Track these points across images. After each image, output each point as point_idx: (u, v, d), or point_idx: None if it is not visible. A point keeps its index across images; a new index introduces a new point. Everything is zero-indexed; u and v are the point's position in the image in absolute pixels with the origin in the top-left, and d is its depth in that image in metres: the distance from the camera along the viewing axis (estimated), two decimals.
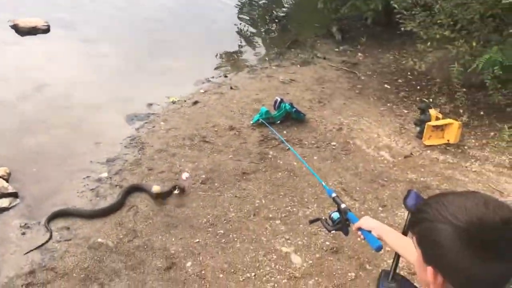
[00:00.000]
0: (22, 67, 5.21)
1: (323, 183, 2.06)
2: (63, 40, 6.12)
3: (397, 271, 2.04)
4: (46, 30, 6.21)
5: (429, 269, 1.05)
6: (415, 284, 2.08)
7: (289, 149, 4.05)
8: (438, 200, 1.05)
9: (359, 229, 1.69)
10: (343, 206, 1.80)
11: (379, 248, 1.60)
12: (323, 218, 1.86)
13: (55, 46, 5.92)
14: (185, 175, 3.48)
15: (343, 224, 1.78)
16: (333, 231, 1.82)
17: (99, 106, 4.66)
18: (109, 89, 5.06)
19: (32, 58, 5.48)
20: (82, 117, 4.44)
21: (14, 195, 3.31)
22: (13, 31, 6.02)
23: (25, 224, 3.10)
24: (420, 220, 1.07)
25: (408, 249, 1.57)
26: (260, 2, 9.11)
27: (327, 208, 3.44)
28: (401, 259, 1.97)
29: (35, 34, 6.07)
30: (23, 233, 3.03)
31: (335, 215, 1.79)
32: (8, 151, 3.80)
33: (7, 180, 3.42)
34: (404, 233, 1.82)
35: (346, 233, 1.80)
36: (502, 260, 0.98)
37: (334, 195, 1.88)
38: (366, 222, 1.67)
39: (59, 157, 3.82)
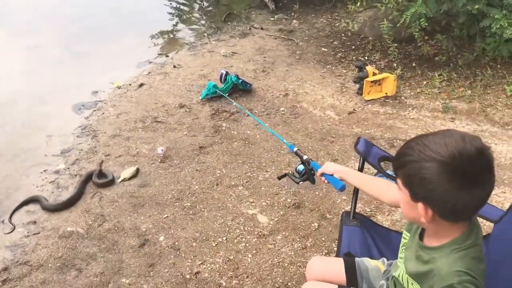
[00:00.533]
0: None
1: (284, 140, 2.22)
2: None
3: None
4: None
5: (420, 205, 1.18)
6: (371, 219, 2.33)
7: (248, 115, 4.20)
8: (419, 142, 1.17)
9: (322, 174, 1.87)
10: (305, 157, 1.98)
11: (342, 188, 1.80)
12: (290, 172, 2.04)
13: None
14: (160, 149, 3.65)
15: (308, 173, 1.95)
16: (301, 182, 1.99)
17: (43, 99, 4.57)
18: (49, 81, 4.95)
19: None
20: (28, 112, 4.34)
21: None
22: None
23: None
24: (405, 163, 1.19)
25: (370, 185, 1.78)
26: None
27: (284, 169, 3.65)
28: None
29: None
30: None
31: (300, 167, 1.97)
32: None
33: None
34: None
35: (313, 181, 1.98)
36: (481, 185, 1.12)
37: (295, 149, 2.05)
38: (328, 166, 1.85)
39: (11, 155, 3.75)
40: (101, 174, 3.48)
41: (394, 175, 1.28)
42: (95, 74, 5.14)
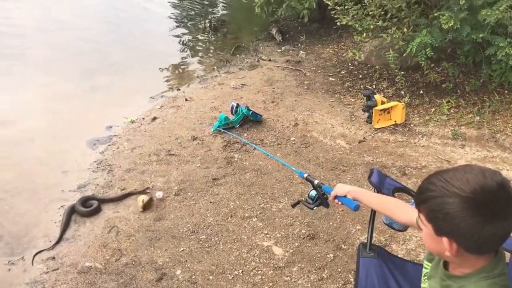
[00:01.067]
0: None
1: (293, 168, 2.28)
2: (7, 73, 6.02)
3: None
4: None
5: (445, 239, 1.20)
6: (387, 250, 2.35)
7: (254, 148, 4.27)
8: (440, 177, 1.21)
9: (336, 197, 1.91)
10: (316, 182, 2.02)
11: (357, 207, 1.83)
12: (303, 199, 2.08)
13: (0, 81, 5.82)
14: (157, 194, 3.69)
15: (321, 198, 2.00)
16: (315, 208, 2.03)
17: (58, 136, 4.68)
18: (63, 117, 5.06)
19: None
20: (44, 149, 4.44)
21: None
22: None
23: (9, 261, 3.12)
24: (427, 198, 1.22)
25: (383, 203, 1.82)
26: (193, 13, 9.29)
27: (297, 199, 3.68)
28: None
29: None
30: (9, 270, 3.05)
31: (313, 193, 2.01)
32: None
33: None
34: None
35: (327, 205, 2.02)
36: (505, 218, 1.16)
37: (305, 175, 2.10)
38: (340, 188, 1.89)
39: (29, 192, 3.83)
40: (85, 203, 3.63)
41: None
42: (108, 108, 5.27)
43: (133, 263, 3.09)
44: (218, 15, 9.33)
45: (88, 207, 3.57)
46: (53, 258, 3.16)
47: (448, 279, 1.34)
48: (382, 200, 1.85)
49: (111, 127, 4.89)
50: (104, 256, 3.15)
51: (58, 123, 4.92)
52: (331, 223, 3.42)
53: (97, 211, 3.57)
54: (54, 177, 4.02)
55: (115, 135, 4.74)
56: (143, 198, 3.58)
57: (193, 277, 2.97)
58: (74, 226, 3.47)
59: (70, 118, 5.06)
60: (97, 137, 4.67)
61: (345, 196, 1.88)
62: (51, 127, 4.83)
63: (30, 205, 3.68)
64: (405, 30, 4.94)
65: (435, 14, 4.67)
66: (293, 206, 2.22)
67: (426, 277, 1.49)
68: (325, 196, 2.01)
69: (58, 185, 3.92)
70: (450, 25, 4.32)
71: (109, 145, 4.56)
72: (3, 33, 7.20)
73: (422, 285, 1.53)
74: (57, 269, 3.06)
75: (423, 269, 1.55)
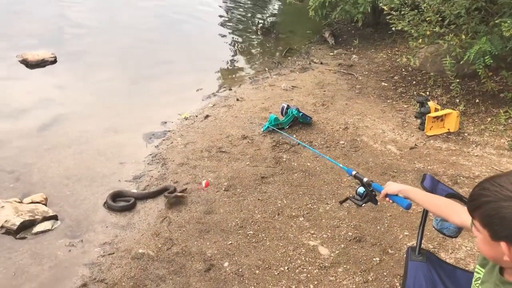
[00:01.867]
0: (37, 98, 5.45)
1: (340, 165, 2.28)
2: (70, 69, 6.39)
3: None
4: (53, 62, 6.46)
5: (503, 244, 1.21)
6: (436, 255, 2.33)
7: (303, 147, 4.32)
8: (493, 182, 1.23)
9: (386, 195, 1.92)
10: (365, 179, 2.04)
11: (409, 206, 1.84)
12: (351, 196, 2.11)
13: (64, 76, 6.18)
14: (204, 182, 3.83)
15: (370, 195, 2.02)
16: (363, 204, 2.05)
17: (116, 129, 4.91)
18: (121, 112, 5.31)
19: (45, 90, 5.73)
20: (102, 140, 4.68)
21: (55, 217, 3.54)
22: (23, 65, 6.27)
23: (70, 242, 3.33)
24: (482, 204, 1.24)
25: (436, 203, 1.80)
26: (245, 15, 9.44)
27: (344, 202, 3.69)
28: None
29: (43, 66, 6.33)
30: (69, 251, 3.25)
31: (361, 189, 2.04)
32: (41, 178, 4.03)
33: (45, 205, 3.66)
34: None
35: (376, 202, 2.04)
36: None
37: (354, 172, 2.11)
38: (392, 187, 1.89)
39: (88, 179, 4.06)
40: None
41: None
42: (164, 105, 5.48)
43: (183, 252, 3.22)
44: (270, 18, 9.45)
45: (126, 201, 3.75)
46: (110, 243, 3.34)
47: (503, 285, 1.33)
48: (435, 200, 1.83)
49: (166, 122, 5.09)
50: (156, 244, 3.30)
51: (117, 117, 5.17)
52: (378, 227, 3.41)
53: (132, 207, 3.71)
54: (112, 167, 4.24)
55: (169, 131, 4.92)
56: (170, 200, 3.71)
57: (240, 270, 3.06)
58: (128, 214, 3.65)
59: (127, 113, 5.31)
60: (153, 132, 4.88)
61: (396, 195, 1.89)
62: (110, 120, 5.08)
63: (89, 192, 3.90)
64: (463, 37, 4.84)
65: (496, 21, 4.55)
66: (341, 202, 2.24)
67: (478, 282, 1.49)
68: (373, 193, 2.02)
69: (115, 175, 4.13)
70: None
71: (164, 139, 4.75)
72: (67, 31, 7.63)
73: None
74: (113, 253, 3.23)
75: (475, 274, 1.55)
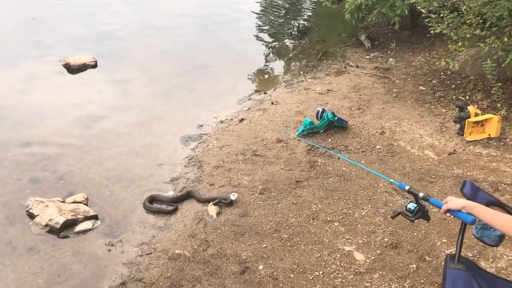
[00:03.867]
0: (79, 102, 5.63)
1: (391, 180, 2.25)
2: (110, 73, 6.56)
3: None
4: (94, 66, 6.67)
5: None
6: (476, 264, 2.28)
7: (343, 153, 4.30)
8: None
9: (447, 210, 1.86)
10: (421, 194, 1.98)
11: (473, 222, 1.79)
12: (402, 211, 2.07)
13: (104, 80, 6.36)
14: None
15: (422, 211, 1.99)
16: (415, 220, 2.02)
17: (153, 132, 5.03)
18: (159, 115, 5.43)
19: (86, 93, 5.92)
20: (140, 143, 4.80)
21: (95, 217, 3.66)
22: (65, 69, 6.50)
23: (109, 242, 3.44)
24: None
25: (501, 219, 1.73)
26: (280, 19, 9.47)
27: (381, 208, 3.66)
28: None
29: (85, 70, 6.54)
30: (109, 250, 3.36)
31: (411, 206, 2.00)
32: (82, 179, 4.17)
33: (86, 205, 3.79)
34: None
35: (428, 218, 2.00)
36: None
37: (407, 187, 2.06)
38: (454, 202, 1.84)
39: (127, 180, 4.17)
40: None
41: None
42: (200, 109, 5.56)
43: (219, 254, 3.26)
44: (305, 21, 9.43)
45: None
46: (147, 243, 3.42)
47: None
48: (500, 217, 1.76)
49: (202, 125, 5.17)
50: (192, 246, 3.36)
51: (154, 120, 5.29)
52: (415, 233, 3.36)
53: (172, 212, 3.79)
54: (150, 169, 4.35)
55: (205, 134, 5.00)
56: (214, 209, 3.70)
57: (275, 273, 3.08)
58: (166, 215, 3.73)
59: (164, 115, 5.42)
60: (189, 135, 4.97)
61: (459, 211, 1.84)
62: (147, 123, 5.21)
63: (127, 193, 4.01)
64: (506, 39, 4.70)
65: None
66: (393, 217, 2.20)
67: None
68: (425, 209, 1.99)
69: (153, 176, 4.23)
70: None
71: (200, 142, 4.82)
72: (107, 35, 7.86)
73: None
74: (150, 253, 3.31)
75: None
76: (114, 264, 3.24)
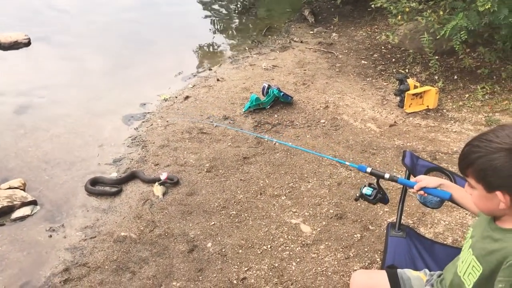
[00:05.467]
0: (12, 81, 5.32)
1: (347, 163, 2.24)
2: (45, 51, 6.23)
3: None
4: (27, 44, 6.29)
5: (498, 193, 1.29)
6: (415, 230, 2.38)
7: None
8: (481, 139, 1.31)
9: (422, 188, 1.82)
10: (387, 175, 1.97)
11: (451, 197, 1.79)
12: (362, 194, 2.06)
13: (39, 58, 6.03)
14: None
15: (382, 193, 2.02)
16: (376, 203, 2.06)
17: (94, 111, 4.84)
18: (99, 94, 5.23)
19: (20, 72, 5.59)
20: (80, 123, 4.61)
21: (34, 202, 3.50)
22: None
23: (50, 227, 3.30)
24: (473, 160, 1.31)
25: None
26: None
27: (325, 180, 3.73)
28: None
29: (17, 48, 6.16)
30: (50, 236, 3.22)
31: (367, 191, 2.01)
32: (18, 163, 3.96)
33: (24, 190, 3.60)
34: None
35: (387, 201, 2.06)
36: None
37: (369, 169, 2.04)
38: (428, 180, 1.81)
39: (67, 163, 4.00)
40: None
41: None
42: (142, 86, 5.40)
43: (166, 234, 3.21)
44: None
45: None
46: (91, 226, 3.31)
47: (493, 231, 1.40)
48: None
49: (145, 104, 5.03)
50: (138, 227, 3.29)
51: (95, 100, 5.08)
52: (358, 204, 3.45)
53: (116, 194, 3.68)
54: (91, 150, 4.19)
55: (149, 112, 4.87)
56: (160, 189, 3.61)
57: (223, 250, 3.08)
58: (110, 197, 3.62)
59: (105, 94, 5.23)
60: (132, 114, 4.82)
61: (435, 188, 1.81)
62: (88, 103, 5.00)
63: (68, 176, 3.85)
64: (441, 13, 4.85)
65: None
66: (356, 200, 2.19)
67: (469, 240, 1.52)
68: (383, 191, 2.03)
69: (95, 158, 4.09)
70: (487, 7, 4.21)
71: (143, 121, 4.69)
72: (43, 13, 7.41)
73: (465, 245, 1.55)
74: (95, 237, 3.21)
75: (467, 234, 1.57)
76: (56, 250, 3.12)
